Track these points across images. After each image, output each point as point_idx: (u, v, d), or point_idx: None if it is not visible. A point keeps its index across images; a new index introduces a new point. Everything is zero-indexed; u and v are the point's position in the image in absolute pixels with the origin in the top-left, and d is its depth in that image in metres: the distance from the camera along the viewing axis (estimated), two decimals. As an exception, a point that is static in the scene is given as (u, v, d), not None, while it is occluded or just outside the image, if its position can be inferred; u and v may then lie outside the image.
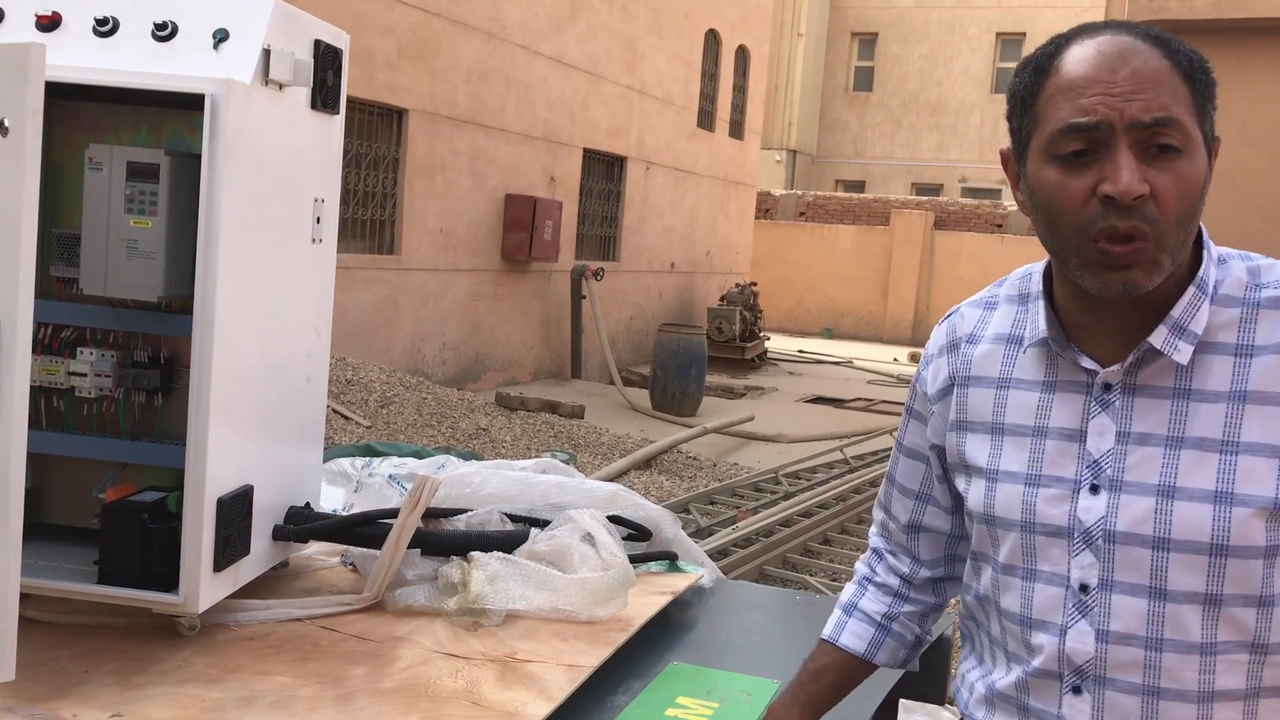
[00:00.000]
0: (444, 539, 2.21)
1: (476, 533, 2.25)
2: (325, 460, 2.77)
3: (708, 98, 17.67)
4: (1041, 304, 1.25)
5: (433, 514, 2.29)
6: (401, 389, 8.39)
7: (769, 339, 17.77)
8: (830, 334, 24.44)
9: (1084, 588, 1.20)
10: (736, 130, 18.97)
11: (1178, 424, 1.17)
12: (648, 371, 13.14)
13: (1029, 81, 1.19)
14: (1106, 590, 1.19)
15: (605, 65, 14.10)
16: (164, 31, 1.94)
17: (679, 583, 2.39)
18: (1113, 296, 1.16)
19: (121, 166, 1.93)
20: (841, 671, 1.50)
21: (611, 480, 7.18)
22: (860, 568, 1.57)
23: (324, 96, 2.20)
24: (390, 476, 2.55)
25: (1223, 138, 1.20)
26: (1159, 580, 1.17)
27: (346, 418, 7.26)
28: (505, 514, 2.35)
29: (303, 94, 2.12)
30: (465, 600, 2.07)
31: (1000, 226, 24.02)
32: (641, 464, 7.76)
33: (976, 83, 30.41)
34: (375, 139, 10.45)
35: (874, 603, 1.51)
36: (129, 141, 2.08)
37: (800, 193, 26.62)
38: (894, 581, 1.51)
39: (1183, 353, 1.17)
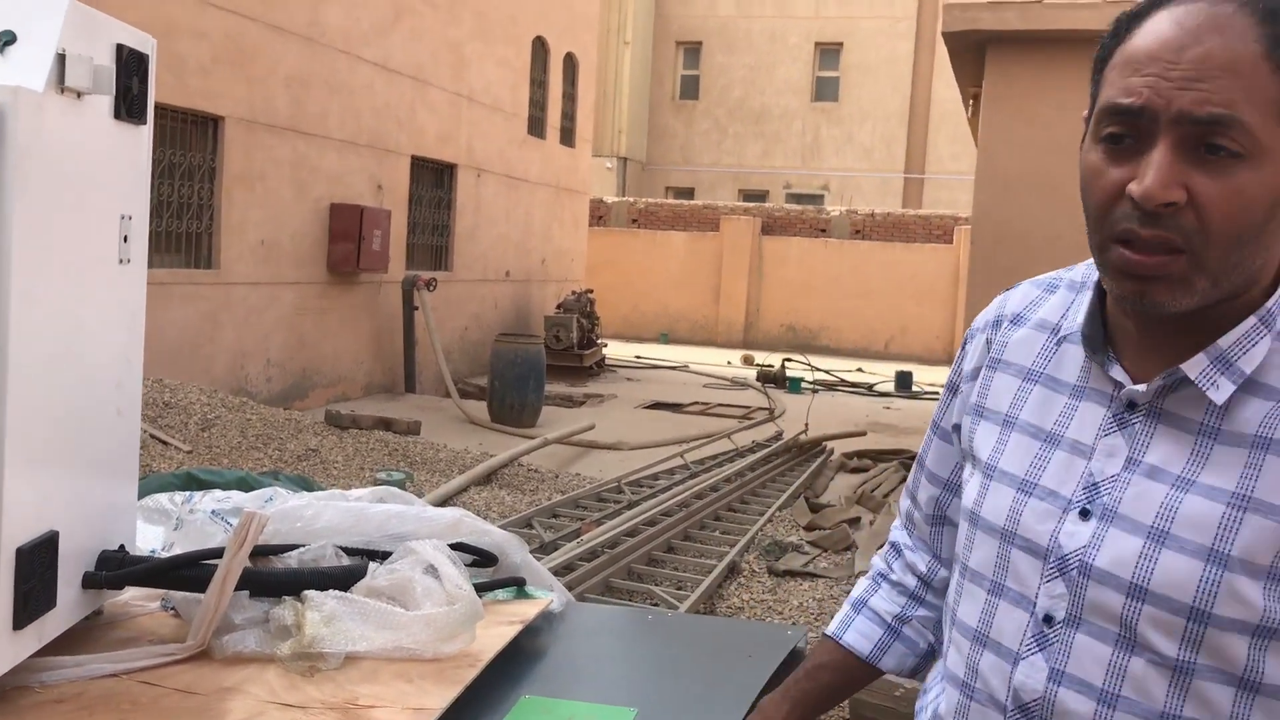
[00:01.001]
0: (274, 578, 2.07)
1: (310, 570, 2.11)
2: (141, 496, 2.57)
3: (538, 105, 17.60)
4: (1089, 295, 1.12)
5: (262, 551, 2.14)
6: (224, 410, 8.01)
7: (606, 346, 17.83)
8: (666, 339, 24.71)
9: (1049, 619, 1.09)
10: (567, 138, 18.96)
11: (1195, 466, 1.03)
12: (484, 383, 12.96)
13: (1107, 43, 1.04)
14: (1072, 627, 1.07)
15: (431, 71, 13.87)
16: (-57, 33, 1.75)
17: (528, 610, 2.30)
18: (1137, 310, 1.04)
19: (-107, 183, 1.73)
20: (841, 672, 1.41)
21: (450, 497, 7.02)
22: (877, 563, 1.47)
23: (129, 105, 2.03)
24: (213, 512, 2.38)
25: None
26: (1128, 630, 1.04)
27: (165, 443, 6.88)
28: (341, 548, 2.22)
29: (105, 103, 1.95)
30: (300, 644, 1.94)
31: (824, 231, 24.75)
32: (481, 479, 7.62)
33: (797, 91, 31.29)
34: (190, 148, 9.98)
35: (886, 602, 1.41)
36: (-98, 155, 1.87)
37: (632, 200, 26.84)
38: (910, 581, 1.41)
39: (1221, 390, 1.02)
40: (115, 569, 2.03)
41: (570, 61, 18.83)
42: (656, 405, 13.65)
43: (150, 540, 2.38)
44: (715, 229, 25.39)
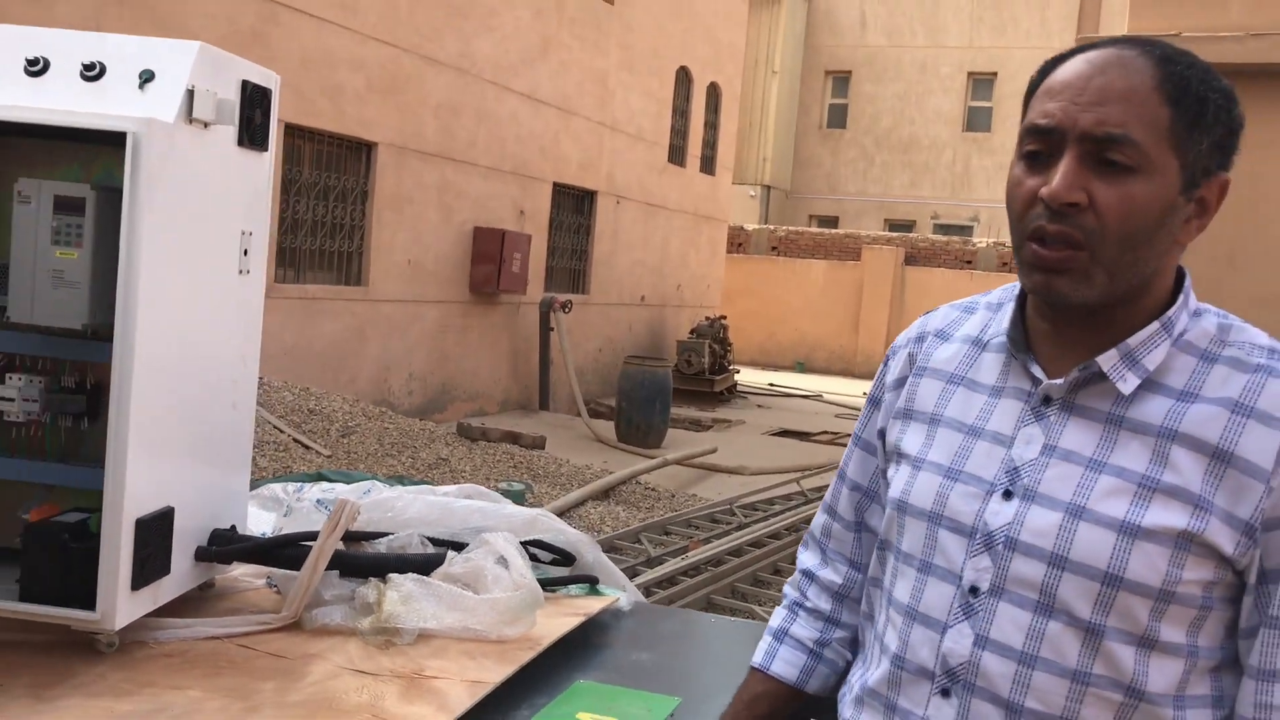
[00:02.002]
0: (362, 560, 2.28)
1: (394, 555, 2.33)
2: (264, 487, 2.84)
3: (679, 134, 17.88)
4: (1011, 306, 1.27)
5: (355, 537, 2.36)
6: (364, 419, 8.44)
7: (739, 372, 17.91)
8: (802, 367, 24.62)
9: (974, 590, 1.20)
10: (708, 166, 19.18)
11: (1104, 449, 1.17)
12: (615, 403, 13.23)
13: (1035, 81, 1.22)
14: (995, 596, 1.19)
15: (576, 101, 14.28)
16: (92, 72, 2.03)
17: (594, 605, 2.46)
18: (1045, 301, 1.18)
19: (49, 200, 2.01)
20: (776, 700, 1.48)
21: (567, 510, 7.24)
22: (790, 592, 1.54)
23: (251, 134, 2.29)
24: (318, 501, 2.62)
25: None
26: (1047, 597, 1.16)
27: (307, 446, 7.31)
28: (426, 538, 2.43)
29: (229, 132, 2.21)
30: (378, 619, 2.15)
31: (969, 263, 24.30)
32: (599, 494, 7.83)
33: (948, 121, 30.85)
34: (344, 171, 10.55)
35: (806, 629, 1.49)
36: (61, 177, 2.16)
37: (772, 227, 26.87)
38: (825, 605, 1.49)
39: (1128, 382, 1.17)
40: (224, 545, 2.28)
41: (714, 91, 19.08)
42: (784, 433, 13.68)
43: (263, 524, 2.64)
44: (857, 258, 25.22)
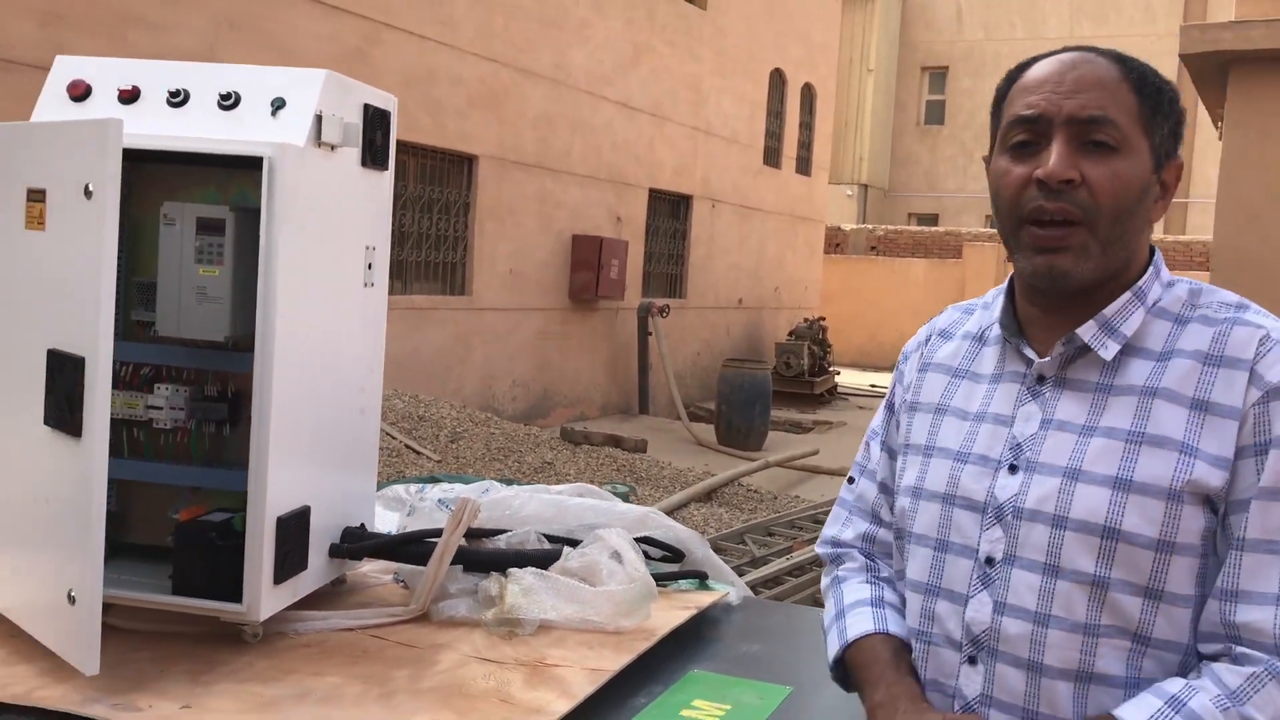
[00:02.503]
0: (484, 556, 2.39)
1: (514, 551, 2.43)
2: (388, 488, 2.99)
3: (774, 135, 17.86)
4: (1002, 299, 1.36)
5: (476, 534, 2.48)
6: (471, 424, 8.65)
7: (839, 374, 17.80)
8: (903, 368, 24.29)
9: (989, 561, 1.28)
10: (803, 167, 19.11)
11: (1094, 415, 1.26)
12: (714, 407, 13.28)
13: (1003, 88, 1.31)
14: (1009, 564, 1.26)
15: (669, 107, 14.38)
16: (228, 101, 2.18)
17: (704, 599, 2.54)
18: (1044, 284, 1.26)
19: (192, 221, 2.17)
20: (903, 653, 1.43)
21: (671, 512, 7.32)
22: (853, 571, 1.55)
23: (373, 155, 2.42)
24: (440, 501, 2.74)
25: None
26: (1053, 558, 1.24)
27: (418, 452, 7.53)
28: (542, 534, 2.54)
29: (353, 153, 2.34)
30: (501, 611, 2.25)
31: (1075, 257, 23.75)
32: (702, 496, 7.90)
33: (1049, 113, 30.17)
34: (447, 184, 10.82)
35: (894, 593, 1.50)
36: (201, 199, 2.32)
37: (871, 227, 26.62)
38: (889, 572, 1.52)
39: (1109, 349, 1.26)
40: (355, 542, 2.41)
41: (808, 91, 19.01)
42: (887, 433, 13.52)
43: (388, 523, 2.78)
44: (958, 255, 24.85)
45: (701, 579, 2.70)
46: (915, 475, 1.37)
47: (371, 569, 2.62)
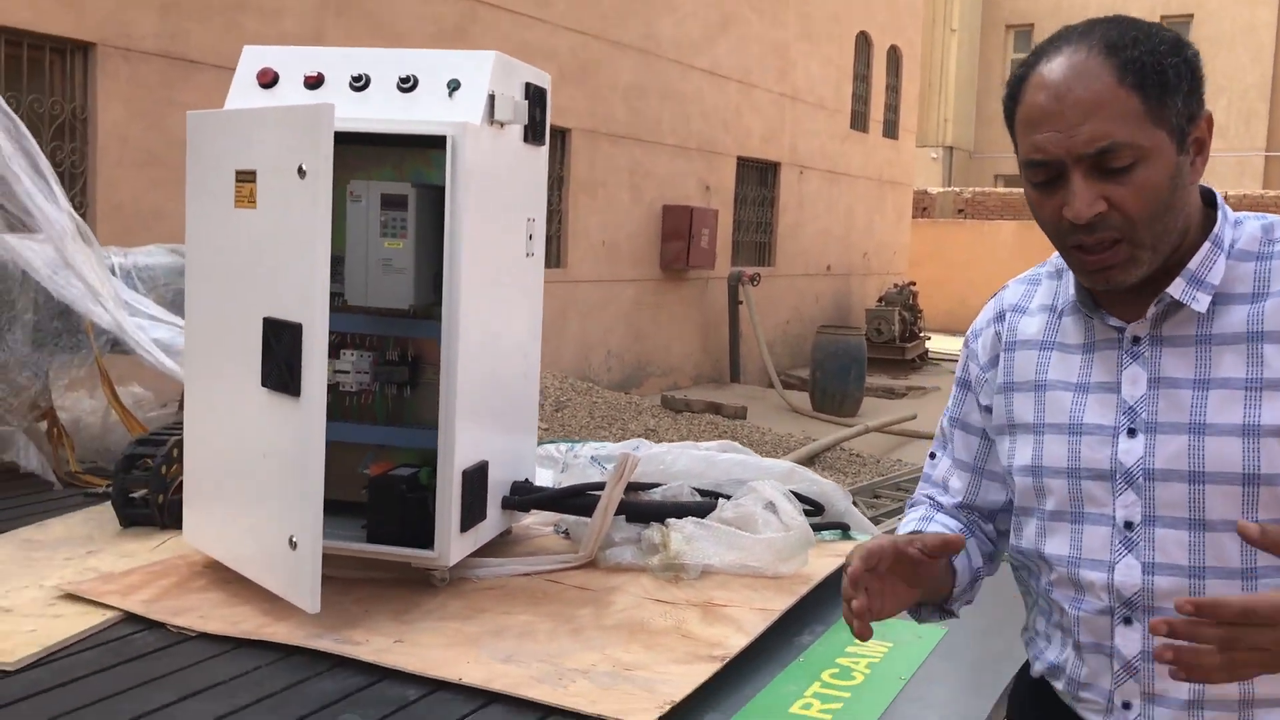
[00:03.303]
0: (646, 507, 2.54)
1: (672, 502, 2.58)
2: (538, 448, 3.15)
3: (860, 99, 17.71)
4: (1070, 276, 1.34)
5: (633, 487, 2.62)
6: (574, 394, 8.83)
7: (929, 339, 17.67)
8: (992, 332, 23.97)
9: (1128, 525, 1.28)
10: (890, 130, 18.94)
11: (1203, 368, 1.27)
12: (805, 374, 13.31)
13: (1007, 104, 1.30)
14: (1149, 525, 1.27)
15: (757, 74, 14.36)
16: (407, 84, 2.33)
17: (851, 548, 2.66)
18: (1104, 290, 1.27)
19: (377, 198, 2.33)
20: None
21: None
22: (918, 508, 1.52)
23: (534, 131, 2.57)
24: (592, 458, 2.90)
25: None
26: (1197, 512, 1.25)
27: (525, 421, 7.73)
28: (694, 488, 2.68)
29: (517, 130, 2.49)
30: (667, 557, 2.40)
31: (1170, 216, 23.17)
32: (805, 461, 7.99)
33: (1141, 68, 29.36)
34: (540, 158, 10.97)
35: (948, 523, 1.48)
36: (378, 177, 2.48)
37: (958, 190, 26.26)
38: (962, 519, 1.49)
39: (1200, 302, 1.26)
40: (525, 495, 2.58)
41: (894, 54, 18.79)
42: (982, 397, 13.44)
43: (542, 480, 2.94)
44: (1047, 217, 24.38)
45: (844, 530, 2.82)
46: (1030, 454, 1.35)
47: (534, 521, 2.78)
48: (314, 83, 2.36)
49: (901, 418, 10.41)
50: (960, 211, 25.61)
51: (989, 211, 25.39)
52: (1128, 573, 1.27)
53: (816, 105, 16.08)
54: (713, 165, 13.62)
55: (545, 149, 2.66)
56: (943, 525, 1.46)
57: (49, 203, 2.97)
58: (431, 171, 2.43)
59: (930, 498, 1.53)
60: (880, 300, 16.97)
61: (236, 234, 2.17)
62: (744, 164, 14.50)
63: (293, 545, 2.02)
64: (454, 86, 2.32)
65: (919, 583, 1.35)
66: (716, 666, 1.91)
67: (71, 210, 3.03)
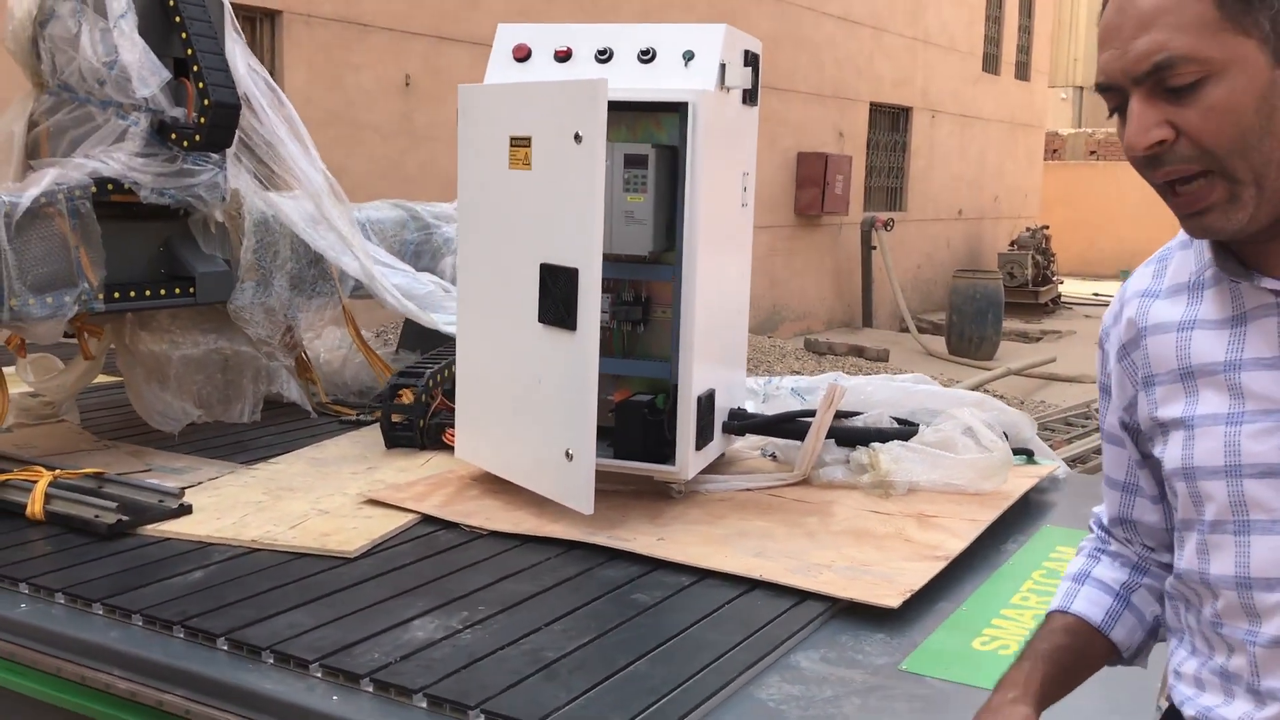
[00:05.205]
0: (855, 432, 2.83)
1: (876, 428, 2.86)
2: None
3: (992, 41, 17.45)
4: (1204, 241, 1.13)
5: (837, 415, 2.91)
6: (717, 338, 9.16)
7: (1063, 283, 17.48)
8: (1126, 275, 23.26)
9: None
10: (1022, 72, 18.61)
11: None
12: (938, 319, 13.38)
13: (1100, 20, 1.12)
14: None
15: (888, 18, 14.31)
16: (646, 56, 2.63)
17: (1040, 471, 2.91)
18: (1209, 239, 1.09)
19: (620, 158, 2.64)
20: (1076, 636, 1.28)
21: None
22: (1088, 543, 1.38)
23: (751, 94, 2.85)
24: (793, 389, 3.19)
25: None
26: None
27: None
28: (892, 416, 2.95)
29: (738, 93, 2.76)
30: (877, 475, 2.69)
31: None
32: (948, 403, 8.19)
33: (1289, -2, 28.03)
34: (678, 108, 11.20)
35: (1111, 570, 1.31)
36: (614, 139, 2.79)
37: (1090, 131, 25.60)
38: (1130, 553, 1.31)
39: None
40: (742, 420, 2.89)
41: (1026, -8, 18.45)
42: (1119, 342, 13.35)
43: (749, 408, 3.24)
44: (1185, 157, 23.64)
45: (1029, 455, 3.07)
46: (1180, 454, 1.13)
47: (743, 445, 3.10)
48: (563, 56, 2.67)
49: (1041, 360, 10.47)
50: (1092, 153, 25.00)
51: (1121, 153, 24.61)
52: None
53: (948, 48, 15.92)
54: (845, 112, 13.68)
55: (757, 109, 2.93)
56: (1099, 588, 1.29)
57: (307, 163, 3.36)
58: (661, 133, 2.73)
59: (1094, 540, 1.36)
60: (1012, 244, 16.84)
61: (508, 192, 2.50)
62: (876, 110, 14.51)
63: (569, 457, 2.36)
64: (689, 57, 2.60)
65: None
66: (943, 564, 2.20)
67: (325, 170, 3.42)
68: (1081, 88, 30.13)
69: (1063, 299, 17.20)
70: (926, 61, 15.35)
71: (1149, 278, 1.22)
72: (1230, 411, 1.09)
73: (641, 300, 2.81)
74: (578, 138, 2.29)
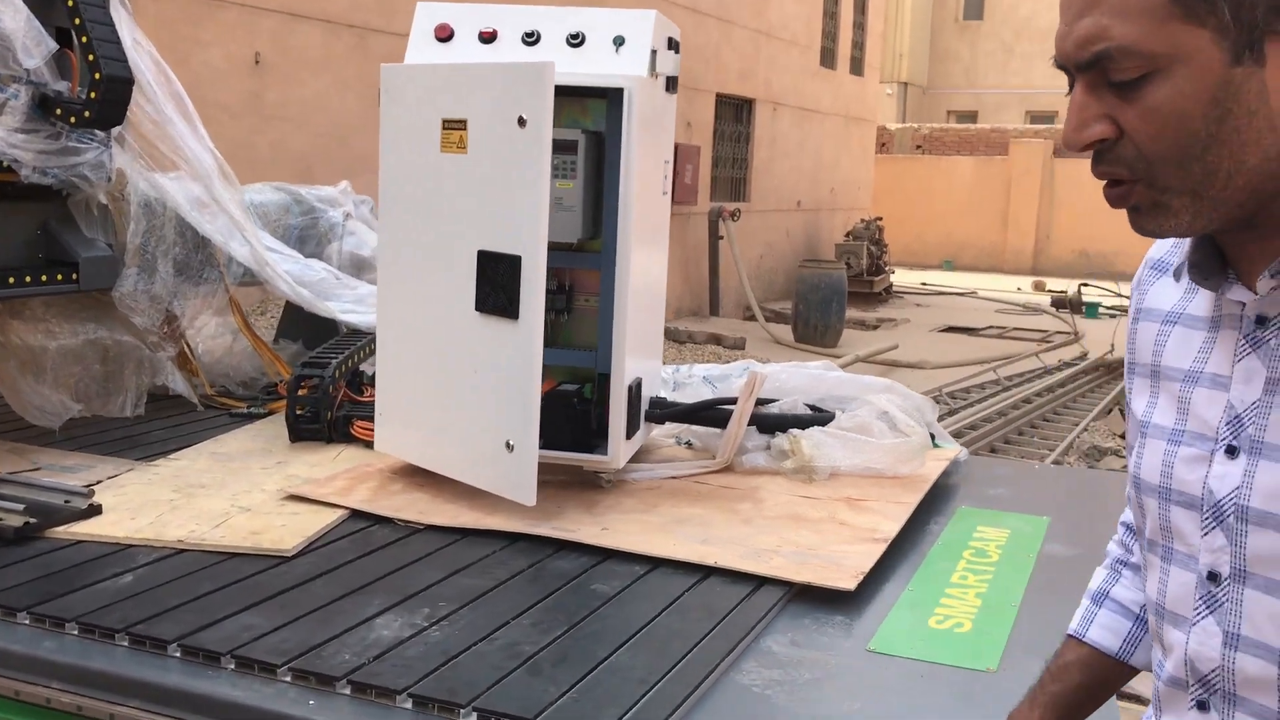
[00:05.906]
0: (775, 418, 2.87)
1: (794, 414, 2.91)
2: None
3: (829, 36, 17.97)
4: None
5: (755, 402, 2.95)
6: (576, 326, 9.15)
7: (894, 273, 18.17)
8: (950, 266, 24.62)
9: (1213, 576, 0.96)
10: (857, 67, 19.23)
11: None
12: (780, 307, 13.73)
13: None
14: (1239, 583, 0.94)
15: (735, 10, 14.55)
16: (576, 40, 2.59)
17: (947, 454, 3.02)
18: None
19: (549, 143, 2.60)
20: (1090, 671, 1.23)
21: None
22: (1113, 548, 1.29)
23: (672, 81, 2.85)
24: (705, 377, 3.22)
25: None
26: None
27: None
28: (805, 403, 3.01)
29: (662, 80, 2.76)
30: (799, 461, 2.74)
31: (1122, 152, 23.77)
32: (804, 389, 8.42)
33: (1093, 5, 29.81)
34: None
35: (1130, 590, 1.23)
36: (537, 123, 2.75)
37: (917, 125, 26.65)
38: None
39: None
40: (663, 409, 2.90)
41: (859, -10, 19.07)
42: (951, 329, 14.01)
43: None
44: (1003, 153, 24.92)
45: (931, 439, 3.18)
46: (1134, 460, 1.06)
47: (659, 434, 3.11)
48: (488, 38, 2.61)
49: (885, 347, 10.87)
50: (918, 147, 26.06)
51: (946, 147, 25.87)
52: (1205, 641, 0.97)
53: (790, 42, 16.31)
54: (693, 102, 13.85)
55: (675, 97, 2.94)
56: (1118, 612, 1.23)
57: (196, 143, 3.19)
58: (586, 119, 2.70)
59: (1118, 547, 1.29)
60: (848, 235, 17.41)
61: (440, 176, 2.43)
62: (722, 101, 14.74)
63: (509, 448, 2.32)
64: (619, 42, 2.58)
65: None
66: (883, 545, 2.26)
67: (214, 149, 3.26)
68: (906, 83, 31.36)
69: (894, 288, 17.89)
70: (769, 55, 15.69)
71: (1164, 249, 1.11)
72: (1174, 428, 1.01)
73: (566, 289, 2.78)
74: (521, 121, 2.24)
